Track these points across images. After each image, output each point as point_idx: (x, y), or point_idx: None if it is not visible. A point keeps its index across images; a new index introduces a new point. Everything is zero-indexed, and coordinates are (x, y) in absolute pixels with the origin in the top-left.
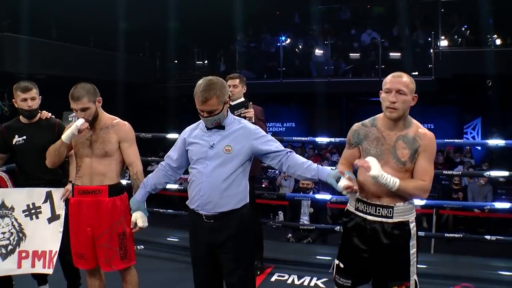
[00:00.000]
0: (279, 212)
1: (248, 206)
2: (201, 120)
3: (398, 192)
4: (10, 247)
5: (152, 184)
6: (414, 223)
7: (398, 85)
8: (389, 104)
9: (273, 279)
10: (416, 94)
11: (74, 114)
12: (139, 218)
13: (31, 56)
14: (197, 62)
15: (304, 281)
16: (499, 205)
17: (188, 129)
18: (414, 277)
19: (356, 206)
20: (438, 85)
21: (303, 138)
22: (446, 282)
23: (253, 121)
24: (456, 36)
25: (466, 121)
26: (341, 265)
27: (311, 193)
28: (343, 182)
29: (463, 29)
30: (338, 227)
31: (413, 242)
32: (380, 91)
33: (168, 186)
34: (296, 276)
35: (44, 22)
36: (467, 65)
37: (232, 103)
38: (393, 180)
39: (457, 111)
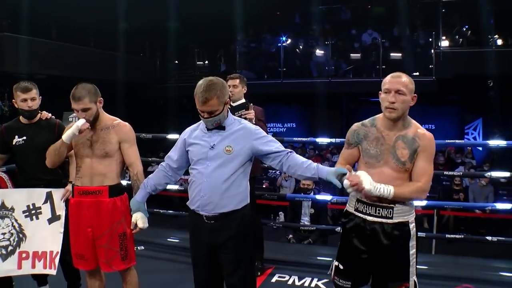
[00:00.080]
0: (280, 212)
1: (249, 207)
2: (201, 121)
3: (395, 199)
4: (10, 247)
5: (152, 185)
6: (413, 224)
7: (397, 85)
8: (388, 104)
9: (273, 280)
10: (415, 94)
11: (74, 114)
12: (140, 219)
13: (31, 56)
14: (198, 62)
15: (304, 282)
16: (500, 206)
17: (188, 129)
18: (413, 277)
19: (356, 207)
20: (439, 86)
21: (303, 139)
22: (447, 283)
23: (254, 122)
24: (457, 36)
25: (467, 122)
26: (341, 267)
27: (311, 193)
28: (348, 180)
29: (464, 29)
30: (339, 228)
31: (412, 243)
32: (380, 91)
33: (169, 186)
34: (296, 277)
35: (44, 22)
36: (468, 66)
37: (233, 104)
38: (387, 189)
39: (458, 112)
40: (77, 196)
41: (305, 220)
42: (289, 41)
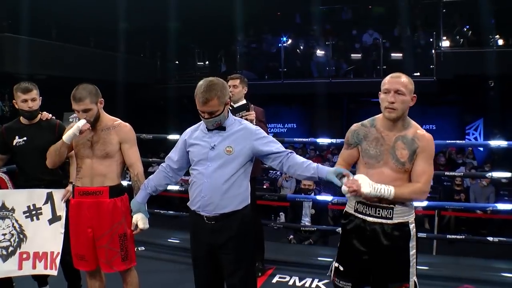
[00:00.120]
0: (280, 213)
1: (249, 207)
2: (202, 121)
3: (395, 199)
4: (11, 248)
5: (152, 186)
6: (413, 224)
7: (397, 86)
8: (388, 105)
9: (274, 280)
10: (415, 95)
11: (74, 115)
12: (140, 220)
13: (31, 57)
14: (198, 63)
15: (305, 282)
16: (501, 206)
17: (188, 130)
18: (413, 278)
19: (356, 208)
20: (439, 86)
21: (304, 139)
22: (448, 284)
23: (254, 123)
24: (457, 37)
25: (468, 122)
26: (341, 268)
27: (312, 194)
28: (346, 186)
29: (465, 29)
30: (340, 229)
31: (412, 243)
32: (379, 92)
33: (169, 187)
34: (297, 277)
35: (44, 22)
36: (469, 66)
37: (234, 105)
38: (387, 190)
39: (458, 112)
40: (78, 196)
41: (306, 220)
42: (289, 41)
